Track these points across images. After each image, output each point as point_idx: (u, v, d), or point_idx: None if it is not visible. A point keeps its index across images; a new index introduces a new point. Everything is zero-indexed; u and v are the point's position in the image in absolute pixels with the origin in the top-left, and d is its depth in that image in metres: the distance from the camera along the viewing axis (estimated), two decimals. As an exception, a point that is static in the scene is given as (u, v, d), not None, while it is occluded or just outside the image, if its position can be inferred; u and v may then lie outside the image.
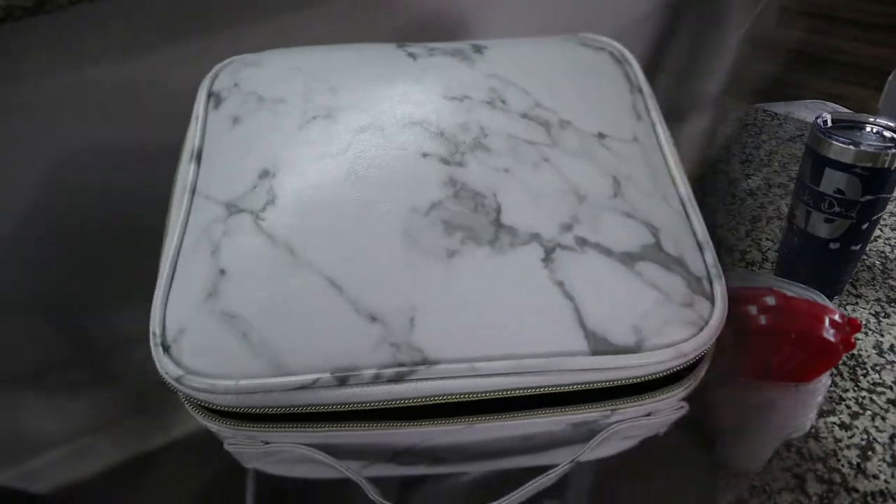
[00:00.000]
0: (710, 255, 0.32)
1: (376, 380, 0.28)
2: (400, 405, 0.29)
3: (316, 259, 0.30)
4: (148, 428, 1.05)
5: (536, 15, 0.73)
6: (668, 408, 0.32)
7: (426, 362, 0.29)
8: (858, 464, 0.46)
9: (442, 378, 0.29)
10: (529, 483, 0.32)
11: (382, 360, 0.29)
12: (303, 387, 0.28)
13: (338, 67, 0.37)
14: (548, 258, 0.30)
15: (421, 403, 0.29)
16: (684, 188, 0.34)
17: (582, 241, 0.31)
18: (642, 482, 1.08)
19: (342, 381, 0.28)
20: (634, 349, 0.29)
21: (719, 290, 0.31)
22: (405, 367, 0.28)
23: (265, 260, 0.30)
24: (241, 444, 0.32)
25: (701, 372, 0.32)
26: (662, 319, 0.29)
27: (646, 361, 0.29)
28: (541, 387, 0.29)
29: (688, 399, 0.33)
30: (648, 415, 0.32)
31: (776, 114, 0.96)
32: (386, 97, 0.35)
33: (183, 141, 0.37)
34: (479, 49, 0.38)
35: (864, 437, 0.48)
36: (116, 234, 0.68)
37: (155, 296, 0.31)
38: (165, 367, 0.29)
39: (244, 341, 0.29)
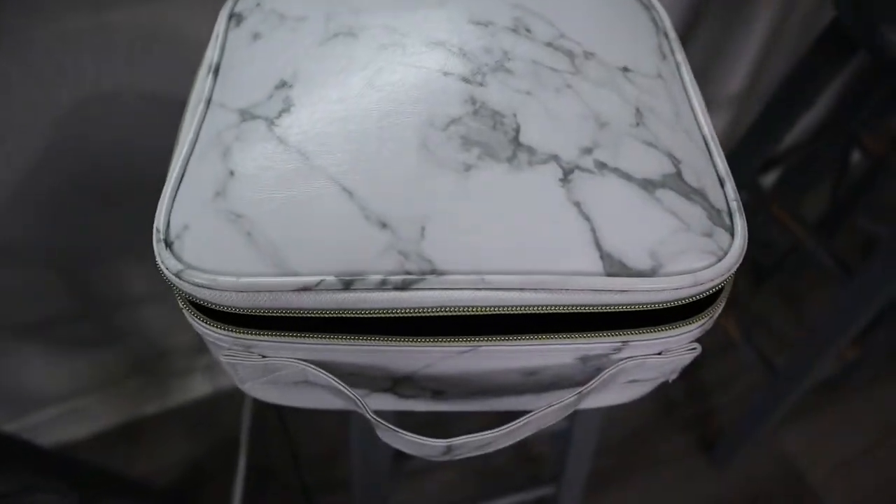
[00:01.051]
0: (731, 189, 0.31)
1: (382, 286, 0.28)
2: (405, 314, 0.28)
3: (328, 164, 0.29)
4: (145, 393, 1.01)
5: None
6: (680, 347, 0.31)
7: (434, 272, 0.28)
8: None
9: (449, 289, 0.28)
10: (530, 414, 0.31)
11: (390, 267, 0.28)
12: (306, 288, 0.27)
13: (362, -10, 0.36)
14: (566, 179, 0.29)
15: (426, 314, 0.28)
16: (707, 126, 0.34)
17: (601, 165, 0.30)
18: (638, 480, 1.06)
19: (347, 285, 0.28)
20: (650, 273, 0.28)
21: (740, 224, 0.30)
22: (412, 275, 0.28)
23: (276, 162, 0.30)
24: (238, 355, 0.31)
25: (716, 310, 0.31)
26: (680, 246, 0.29)
27: (661, 286, 0.28)
28: (551, 305, 0.28)
29: (699, 340, 0.32)
30: (660, 353, 0.31)
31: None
32: (409, 19, 0.34)
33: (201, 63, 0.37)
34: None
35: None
36: (129, 188, 0.69)
37: (162, 194, 0.30)
38: (166, 261, 0.28)
39: (249, 240, 0.28)
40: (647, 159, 0.31)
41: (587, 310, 0.28)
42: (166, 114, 0.61)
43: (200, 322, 0.30)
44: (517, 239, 0.28)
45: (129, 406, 0.99)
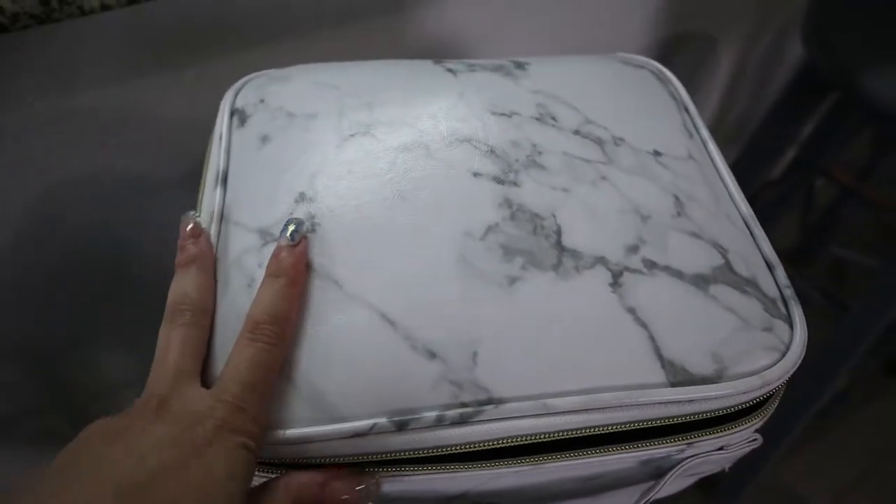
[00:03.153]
0: (781, 274, 0.30)
1: (439, 423, 0.26)
2: (465, 450, 0.26)
3: (364, 291, 0.28)
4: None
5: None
6: (742, 440, 0.30)
7: (492, 401, 0.26)
8: None
9: (511, 418, 0.26)
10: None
11: (444, 401, 0.26)
12: (358, 434, 0.26)
13: (372, 82, 0.34)
14: (616, 283, 0.28)
15: (487, 447, 0.27)
16: (745, 207, 0.33)
17: (651, 264, 0.29)
18: None
19: (401, 426, 0.26)
20: (714, 378, 0.27)
21: (796, 312, 0.29)
22: (469, 407, 0.26)
23: (308, 294, 0.28)
24: None
25: (776, 401, 0.30)
26: (743, 346, 0.27)
27: (729, 392, 0.27)
28: (618, 424, 0.27)
29: (760, 430, 0.31)
30: (722, 448, 0.30)
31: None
32: (428, 113, 0.33)
33: (204, 163, 0.34)
34: (520, 65, 0.36)
35: None
36: (102, 273, 0.66)
37: None
38: None
39: (289, 385, 0.26)
40: (694, 252, 0.29)
41: (654, 424, 0.27)
42: (140, 197, 0.60)
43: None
44: (574, 356, 0.27)
45: None
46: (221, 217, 0.31)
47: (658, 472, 0.31)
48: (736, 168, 0.85)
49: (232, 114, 0.35)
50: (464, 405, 0.26)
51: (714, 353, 0.27)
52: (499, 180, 0.30)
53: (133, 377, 0.79)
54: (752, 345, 0.28)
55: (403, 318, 0.27)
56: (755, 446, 0.31)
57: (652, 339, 0.27)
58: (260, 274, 0.28)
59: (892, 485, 1.08)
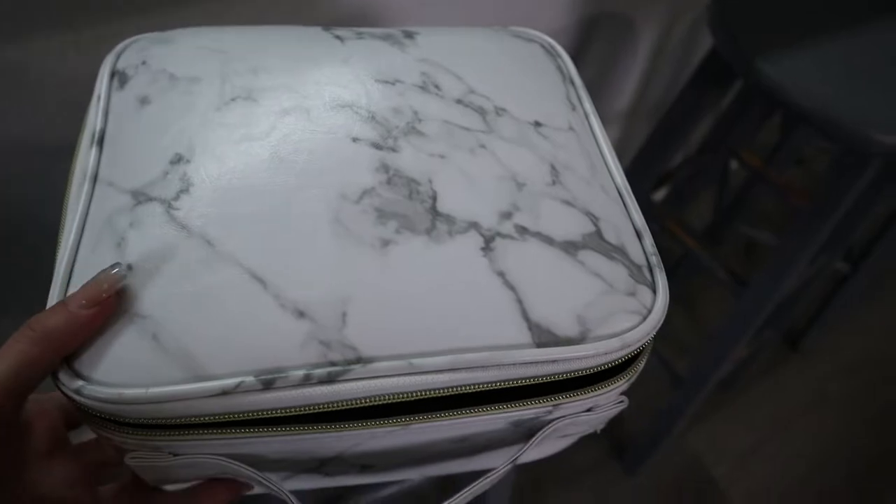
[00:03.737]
0: (649, 242, 0.32)
1: (306, 381, 0.26)
2: (332, 409, 0.27)
3: (235, 250, 0.27)
4: None
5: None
6: (608, 402, 0.31)
7: (360, 360, 0.26)
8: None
9: (378, 377, 0.26)
10: (467, 489, 0.30)
11: (312, 360, 0.26)
12: (224, 392, 0.25)
13: (258, 47, 0.34)
14: (487, 247, 0.29)
15: (355, 406, 0.27)
16: (620, 177, 0.34)
17: (522, 230, 0.29)
18: (555, 494, 1.08)
19: (268, 385, 0.26)
20: (578, 339, 0.28)
21: (660, 279, 0.30)
22: (337, 366, 0.26)
23: (178, 253, 0.27)
24: (145, 457, 0.28)
25: (641, 364, 0.31)
26: (607, 309, 0.28)
27: (591, 352, 0.28)
28: (483, 383, 0.27)
29: (626, 393, 0.33)
30: (590, 409, 0.31)
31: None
32: (312, 79, 0.33)
33: (81, 125, 0.33)
34: (409, 35, 0.36)
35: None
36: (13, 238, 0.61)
37: (50, 296, 0.27)
38: (62, 378, 0.25)
39: (155, 344, 0.26)
40: (566, 220, 0.30)
41: (519, 383, 0.28)
42: (36, 161, 0.57)
43: (102, 429, 0.27)
44: (443, 317, 0.27)
45: None
46: (95, 177, 0.31)
47: (529, 432, 0.32)
48: (647, 148, 0.89)
49: (112, 75, 0.34)
50: (332, 364, 0.26)
51: (579, 316, 0.28)
52: (377, 146, 0.31)
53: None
54: (616, 308, 0.29)
55: (274, 277, 0.27)
56: (622, 408, 0.32)
57: (519, 301, 0.28)
58: (130, 235, 0.28)
59: (788, 450, 1.15)
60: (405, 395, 0.27)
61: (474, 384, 0.27)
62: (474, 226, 0.29)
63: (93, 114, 0.33)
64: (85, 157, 0.31)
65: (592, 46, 0.92)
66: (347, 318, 0.27)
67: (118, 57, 0.35)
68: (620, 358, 0.29)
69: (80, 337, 0.26)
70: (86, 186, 0.30)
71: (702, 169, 1.02)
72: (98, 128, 0.32)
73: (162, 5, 0.52)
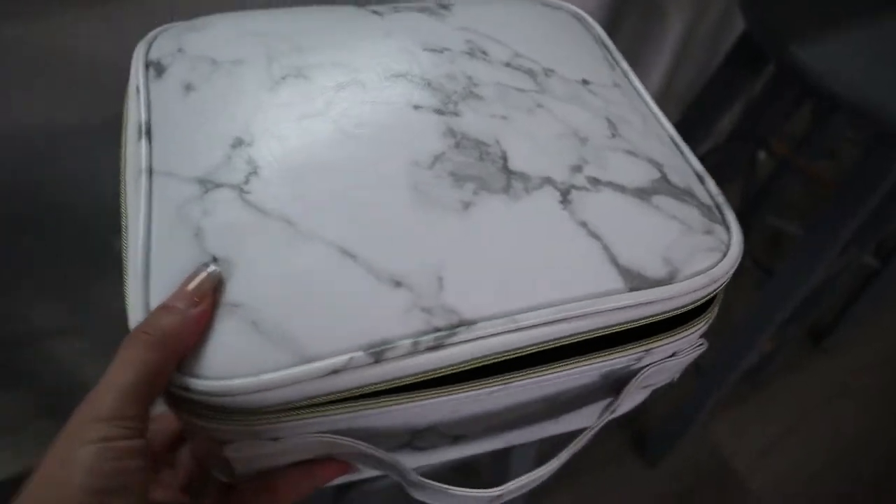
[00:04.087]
0: (712, 184, 0.32)
1: (415, 350, 0.25)
2: (440, 374, 0.26)
3: (319, 227, 0.27)
4: (54, 434, 0.91)
5: None
6: (690, 346, 0.32)
7: (464, 323, 0.26)
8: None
9: (483, 338, 0.26)
10: (571, 445, 0.30)
11: (417, 328, 0.26)
12: (335, 371, 0.25)
13: (297, 27, 0.33)
14: (565, 200, 0.29)
15: (461, 369, 0.26)
16: (670, 127, 0.34)
17: (594, 181, 0.30)
18: (576, 484, 1.09)
19: (378, 357, 0.25)
20: (669, 280, 0.28)
21: (730, 216, 0.31)
22: (443, 331, 0.26)
23: (260, 237, 0.26)
24: (248, 447, 0.27)
25: (716, 306, 0.32)
26: (689, 249, 0.29)
27: (682, 291, 0.28)
28: (584, 332, 0.27)
29: (704, 335, 0.33)
30: (673, 355, 0.32)
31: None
32: (359, 53, 0.32)
33: (122, 119, 0.32)
34: (445, 6, 0.36)
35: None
36: (22, 218, 0.60)
37: (131, 303, 0.26)
38: (175, 378, 0.24)
39: (255, 331, 0.25)
40: (633, 168, 0.31)
41: (615, 329, 0.28)
42: (61, 139, 0.56)
43: (208, 423, 0.26)
44: (536, 271, 0.27)
45: (38, 450, 0.87)
46: (150, 170, 0.29)
47: (617, 384, 0.32)
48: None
49: (147, 66, 0.33)
50: (437, 330, 0.26)
51: (664, 258, 0.29)
52: (439, 111, 0.30)
53: (56, 325, 0.74)
54: (697, 247, 0.29)
55: (363, 250, 0.26)
56: (702, 351, 0.33)
57: (606, 249, 0.28)
58: (206, 223, 0.27)
59: (810, 444, 1.15)
60: (511, 353, 0.27)
61: (576, 334, 0.27)
62: (548, 181, 0.29)
63: (134, 106, 0.31)
64: (135, 150, 0.30)
65: (622, 29, 0.91)
66: (444, 282, 0.26)
67: (150, 46, 0.33)
68: (706, 296, 0.29)
69: (195, 337, 0.25)
70: (143, 180, 0.29)
71: (730, 157, 1.00)
72: (143, 119, 0.31)
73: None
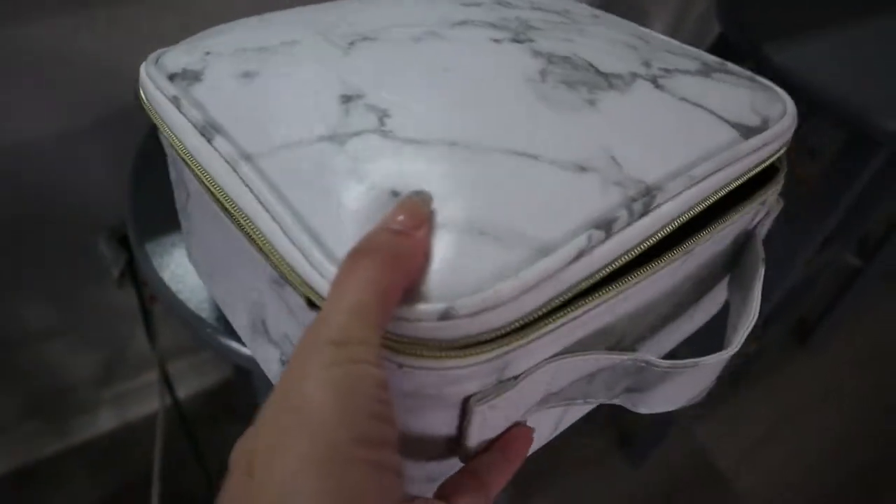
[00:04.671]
0: (733, 65, 0.36)
1: (631, 218, 0.25)
2: (654, 241, 0.26)
3: (486, 140, 0.25)
4: (43, 434, 0.87)
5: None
6: (774, 201, 0.35)
7: (654, 188, 0.26)
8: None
9: (674, 197, 0.26)
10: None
11: (619, 200, 0.25)
12: (580, 253, 0.23)
13: (327, 13, 0.32)
14: (658, 86, 0.31)
15: (668, 229, 0.26)
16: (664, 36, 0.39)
17: (665, 70, 0.32)
18: (560, 483, 1.08)
19: (609, 231, 0.24)
20: (765, 126, 0.31)
21: (767, 82, 0.35)
22: (640, 199, 0.26)
23: (435, 161, 0.24)
24: (491, 393, 0.24)
25: (784, 160, 0.35)
26: (764, 100, 0.32)
27: (777, 133, 0.31)
28: (734, 179, 0.29)
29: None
30: (767, 214, 0.34)
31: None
32: (407, 17, 0.32)
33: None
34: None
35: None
36: (20, 220, 0.59)
37: (311, 278, 0.22)
38: (416, 311, 0.21)
39: (486, 239, 0.23)
40: (682, 61, 0.34)
41: (754, 172, 0.30)
42: (55, 140, 0.54)
43: (445, 364, 0.22)
44: (677, 139, 0.29)
45: (25, 450, 0.88)
46: (247, 157, 0.26)
47: (736, 253, 0.34)
48: None
49: (171, 77, 0.29)
50: (633, 199, 0.25)
51: (753, 110, 0.32)
52: (517, 41, 0.31)
53: (45, 326, 0.74)
54: (768, 99, 0.33)
55: (537, 149, 0.26)
56: (781, 207, 0.36)
57: (711, 112, 0.30)
58: (366, 167, 0.24)
59: (795, 444, 1.15)
60: (694, 209, 0.27)
61: (728, 182, 0.29)
62: (636, 75, 0.31)
63: (175, 117, 0.28)
64: (210, 151, 0.26)
65: None
66: (617, 159, 0.26)
67: (158, 63, 0.30)
68: (790, 138, 0.32)
69: (422, 260, 0.21)
70: (244, 168, 0.25)
71: None
72: (199, 120, 0.27)
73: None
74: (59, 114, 0.53)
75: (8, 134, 0.53)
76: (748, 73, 0.36)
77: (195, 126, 0.27)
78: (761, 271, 0.33)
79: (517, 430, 0.26)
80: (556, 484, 1.04)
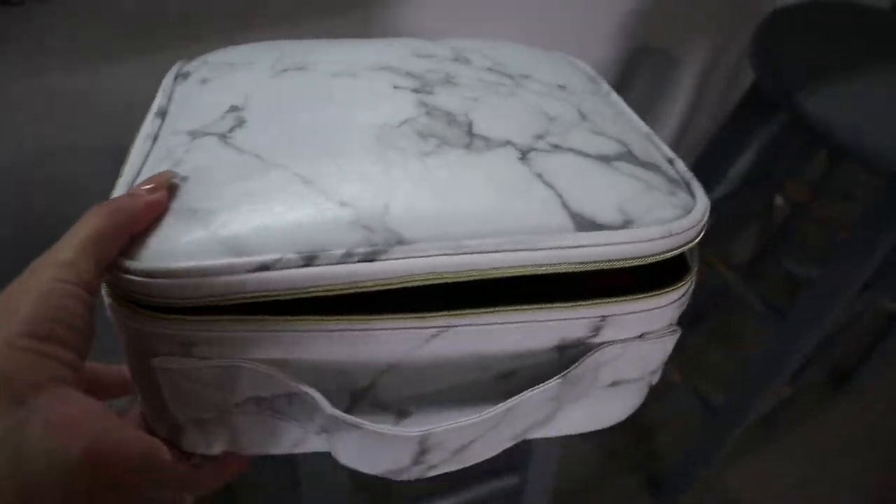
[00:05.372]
0: (682, 165, 0.32)
1: (347, 258, 0.26)
2: (372, 288, 0.26)
3: (285, 161, 0.29)
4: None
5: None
6: (661, 327, 0.30)
7: (403, 241, 0.26)
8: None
9: (420, 256, 0.26)
10: (523, 394, 0.28)
11: (355, 241, 0.26)
12: (264, 266, 0.25)
13: (311, 47, 0.38)
14: (524, 157, 0.30)
15: (397, 284, 0.26)
16: (644, 126, 0.35)
17: (555, 146, 0.31)
18: None
19: (308, 260, 0.26)
20: (622, 227, 0.28)
21: (698, 189, 0.30)
22: (379, 246, 0.26)
23: (231, 166, 0.29)
24: (176, 361, 0.27)
25: (689, 281, 0.30)
26: (648, 203, 0.29)
27: (634, 237, 0.27)
28: (527, 265, 0.27)
29: (679, 323, 0.31)
30: (641, 336, 0.30)
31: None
32: (357, 56, 0.36)
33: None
34: (443, 40, 0.41)
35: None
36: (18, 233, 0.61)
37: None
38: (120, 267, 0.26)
39: (204, 228, 0.26)
40: (597, 142, 0.31)
41: (563, 269, 0.27)
42: (106, 173, 0.60)
43: (137, 321, 0.26)
44: (485, 206, 0.28)
45: None
46: (156, 137, 0.33)
47: (567, 365, 0.30)
48: None
49: (177, 76, 0.38)
50: (373, 244, 0.26)
51: (621, 208, 0.28)
52: (416, 90, 0.33)
53: None
54: (657, 203, 0.29)
55: (322, 178, 0.28)
56: (676, 337, 0.31)
57: (559, 195, 0.28)
58: (186, 157, 0.30)
59: (830, 490, 1.12)
60: (448, 276, 0.26)
61: (517, 265, 0.27)
62: (509, 143, 0.30)
63: (158, 99, 0.36)
64: (148, 126, 0.34)
65: (635, 82, 0.95)
66: (390, 207, 0.27)
67: (181, 66, 0.39)
68: (666, 251, 0.28)
69: (145, 217, 0.27)
70: (147, 144, 0.32)
71: (746, 203, 1.03)
72: (161, 105, 0.35)
73: (229, 33, 0.57)
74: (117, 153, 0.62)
75: (69, 174, 0.61)
76: (679, 173, 0.31)
77: (157, 108, 0.35)
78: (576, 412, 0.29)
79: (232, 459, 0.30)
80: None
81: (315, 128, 0.31)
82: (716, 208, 1.07)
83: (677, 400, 1.12)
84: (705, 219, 0.29)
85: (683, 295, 0.30)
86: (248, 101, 0.33)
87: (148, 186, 0.27)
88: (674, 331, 0.30)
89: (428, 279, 0.26)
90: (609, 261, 0.27)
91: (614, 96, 0.38)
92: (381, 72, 0.34)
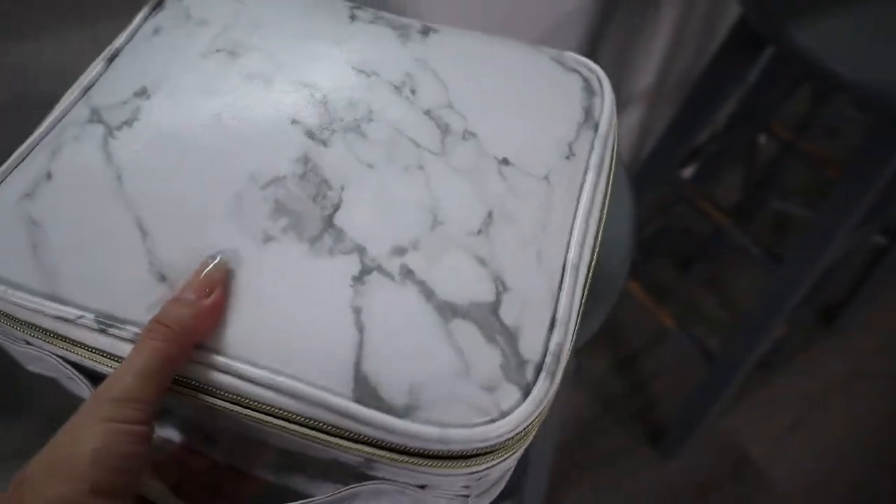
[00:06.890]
0: (559, 340, 0.26)
1: (136, 338, 0.27)
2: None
3: (136, 196, 0.28)
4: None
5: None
6: (449, 488, 0.28)
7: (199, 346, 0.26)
8: None
9: (199, 364, 0.26)
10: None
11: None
12: (63, 319, 0.27)
13: (275, 9, 0.33)
14: (360, 279, 0.26)
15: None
16: (576, 253, 0.28)
17: (407, 273, 0.26)
18: (591, 478, 1.06)
19: (103, 329, 0.27)
20: (400, 413, 0.25)
21: (543, 385, 0.25)
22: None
23: (91, 178, 0.29)
24: (4, 336, 0.31)
25: (495, 469, 0.27)
26: (446, 392, 0.25)
27: (404, 431, 0.24)
28: (287, 411, 0.26)
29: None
30: (423, 487, 0.28)
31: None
32: (295, 51, 0.31)
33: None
34: (426, 31, 0.33)
35: None
36: None
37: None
38: None
39: (33, 253, 0.28)
40: (465, 279, 0.26)
41: (324, 427, 0.26)
42: None
43: None
44: (284, 335, 0.26)
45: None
46: (87, 89, 0.33)
47: (356, 473, 0.29)
48: (674, 124, 0.85)
49: (155, 6, 0.36)
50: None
51: (412, 389, 0.25)
52: (310, 135, 0.29)
53: (19, 446, 0.64)
54: (458, 397, 0.25)
55: (156, 231, 0.28)
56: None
57: (360, 346, 0.25)
58: (67, 148, 0.30)
59: (827, 428, 1.12)
60: (217, 394, 0.26)
61: (280, 409, 0.26)
62: (360, 250, 0.27)
63: (123, 33, 0.35)
64: (93, 67, 0.34)
65: (615, 21, 0.88)
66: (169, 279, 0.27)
67: None
68: (437, 452, 0.25)
69: (210, 323, 0.26)
70: (75, 94, 0.32)
71: (730, 143, 0.99)
72: (116, 46, 0.34)
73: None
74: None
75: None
76: (541, 359, 0.26)
77: (112, 48, 0.34)
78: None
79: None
80: (586, 476, 1.05)
81: (190, 155, 0.29)
82: (701, 150, 1.02)
83: (673, 348, 1.15)
84: (515, 432, 0.25)
85: (473, 474, 0.27)
86: (160, 86, 0.31)
87: (202, 290, 0.26)
88: (464, 497, 0.28)
89: (207, 393, 0.26)
90: (371, 438, 0.25)
91: (590, 177, 0.30)
92: (297, 89, 0.30)
